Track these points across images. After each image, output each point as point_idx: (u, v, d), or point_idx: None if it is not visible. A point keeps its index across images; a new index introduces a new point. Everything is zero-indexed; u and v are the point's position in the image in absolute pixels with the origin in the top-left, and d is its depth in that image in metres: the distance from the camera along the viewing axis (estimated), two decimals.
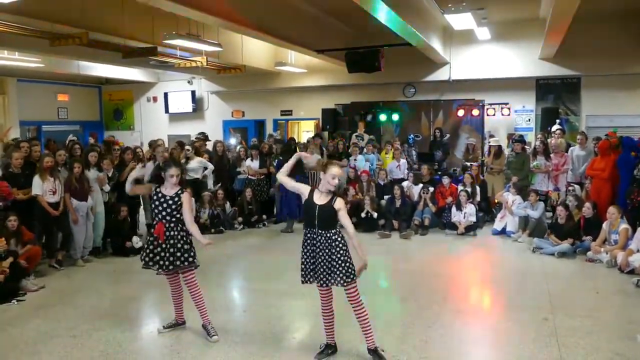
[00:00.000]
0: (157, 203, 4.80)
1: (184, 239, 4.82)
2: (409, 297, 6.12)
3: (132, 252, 8.07)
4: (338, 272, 4.18)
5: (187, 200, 4.82)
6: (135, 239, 8.25)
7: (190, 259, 4.83)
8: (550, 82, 12.75)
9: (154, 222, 4.89)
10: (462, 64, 12.79)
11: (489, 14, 10.59)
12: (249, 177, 10.62)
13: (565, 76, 12.47)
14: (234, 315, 5.66)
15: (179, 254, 4.78)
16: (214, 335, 4.83)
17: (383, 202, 10.12)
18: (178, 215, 4.79)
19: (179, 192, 4.80)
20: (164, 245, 4.77)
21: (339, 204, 4.24)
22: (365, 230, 9.53)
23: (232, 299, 6.44)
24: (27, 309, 5.80)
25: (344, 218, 4.27)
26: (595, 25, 10.98)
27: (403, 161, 11.14)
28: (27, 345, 4.82)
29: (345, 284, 4.20)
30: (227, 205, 10.20)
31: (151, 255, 4.83)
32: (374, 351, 4.31)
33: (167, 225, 4.77)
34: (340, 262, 4.19)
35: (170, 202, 4.76)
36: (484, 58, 12.55)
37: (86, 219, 7.66)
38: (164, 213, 4.77)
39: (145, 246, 4.92)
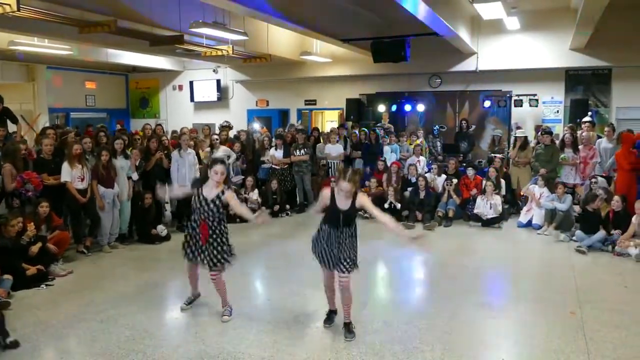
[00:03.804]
0: (198, 205, 4.86)
1: (222, 239, 4.92)
2: (433, 289, 6.08)
3: (157, 239, 8.21)
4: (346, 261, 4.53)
5: (231, 197, 4.89)
6: (160, 227, 8.36)
7: (223, 261, 4.94)
8: (581, 73, 12.50)
9: (198, 221, 4.90)
10: (490, 55, 12.60)
11: (518, 3, 10.41)
12: (273, 166, 10.64)
13: (596, 67, 12.21)
14: (258, 303, 5.70)
15: (215, 252, 4.90)
16: (224, 316, 5.07)
17: (406, 193, 10.05)
18: (220, 216, 4.88)
19: (220, 194, 4.84)
20: (204, 246, 4.89)
21: (360, 200, 4.47)
22: None
23: (256, 287, 6.47)
24: (56, 294, 5.91)
25: (373, 210, 4.49)
26: (628, 15, 10.69)
27: (423, 159, 11.03)
28: (55, 329, 4.92)
29: (348, 272, 4.55)
30: (254, 194, 10.15)
31: (193, 248, 4.96)
32: (349, 324, 4.69)
33: (210, 226, 4.85)
34: (350, 252, 4.54)
35: (212, 205, 4.83)
36: (513, 48, 12.35)
37: (112, 206, 7.77)
38: (206, 214, 4.84)
39: (187, 239, 5.00)
